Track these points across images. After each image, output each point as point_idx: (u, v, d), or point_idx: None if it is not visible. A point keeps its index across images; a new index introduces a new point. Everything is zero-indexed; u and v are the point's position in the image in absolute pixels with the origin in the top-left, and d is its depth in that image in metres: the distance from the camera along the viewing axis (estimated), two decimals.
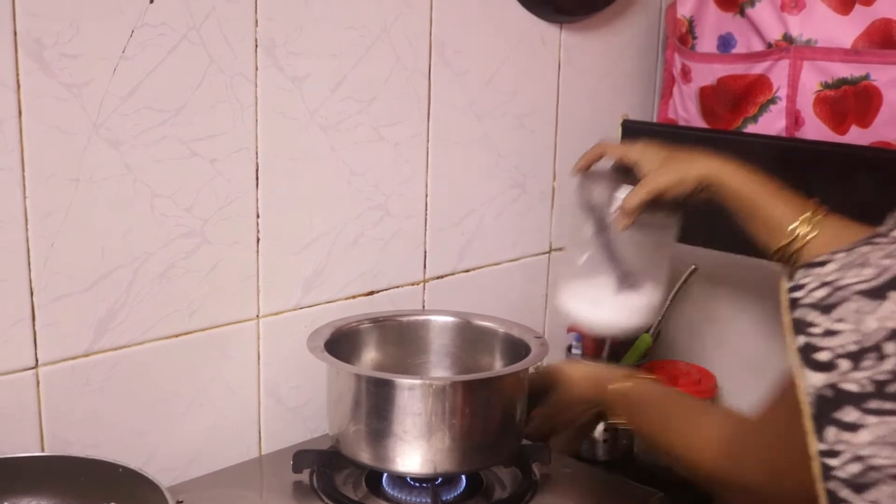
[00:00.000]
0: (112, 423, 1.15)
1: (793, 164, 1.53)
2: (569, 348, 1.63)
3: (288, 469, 1.21)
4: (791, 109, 1.55)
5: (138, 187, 1.12)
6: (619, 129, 1.71)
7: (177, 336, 1.19)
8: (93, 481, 0.99)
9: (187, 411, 1.22)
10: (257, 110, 1.20)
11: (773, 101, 1.57)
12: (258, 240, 1.24)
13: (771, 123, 1.58)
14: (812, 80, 1.52)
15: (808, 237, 1.16)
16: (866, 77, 1.47)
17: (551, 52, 1.56)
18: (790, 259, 1.16)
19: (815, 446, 0.68)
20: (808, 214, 1.17)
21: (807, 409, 0.68)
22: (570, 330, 1.63)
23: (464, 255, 1.49)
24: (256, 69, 1.19)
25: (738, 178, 1.21)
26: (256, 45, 1.18)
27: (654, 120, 1.76)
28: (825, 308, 0.70)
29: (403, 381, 1.13)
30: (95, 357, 1.12)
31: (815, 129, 1.53)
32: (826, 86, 1.51)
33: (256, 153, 1.21)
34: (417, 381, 1.13)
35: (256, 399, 1.28)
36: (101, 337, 1.12)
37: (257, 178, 1.22)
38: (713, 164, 1.21)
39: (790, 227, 1.16)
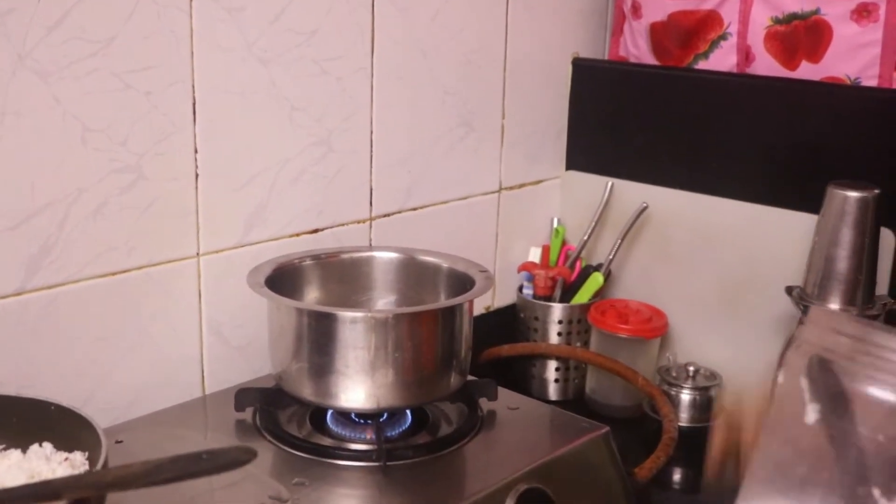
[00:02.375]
0: (47, 363, 1.12)
1: (743, 100, 1.52)
2: (520, 288, 1.62)
3: (231, 408, 1.19)
4: (742, 45, 1.54)
5: (69, 121, 1.08)
6: (570, 68, 1.69)
7: (114, 274, 1.16)
8: (24, 421, 0.96)
9: (127, 351, 1.19)
10: (192, 42, 1.17)
11: (723, 36, 1.56)
12: (197, 175, 1.21)
13: (722, 60, 1.57)
14: (762, 15, 1.51)
15: None
16: (817, 11, 1.46)
17: None
18: None
19: None
20: None
21: None
22: (521, 269, 1.62)
23: (411, 193, 1.47)
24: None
25: None
26: None
27: (605, 57, 1.74)
28: None
29: (345, 315, 1.11)
30: (28, 296, 1.09)
31: (766, 65, 1.52)
32: (777, 21, 1.50)
33: (193, 86, 1.18)
34: (359, 314, 1.12)
35: (199, 338, 1.26)
36: (33, 275, 1.09)
37: (195, 112, 1.19)
38: None
39: None
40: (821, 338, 0.67)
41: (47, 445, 0.94)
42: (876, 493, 0.59)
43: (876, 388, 0.60)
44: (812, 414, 0.63)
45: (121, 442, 1.11)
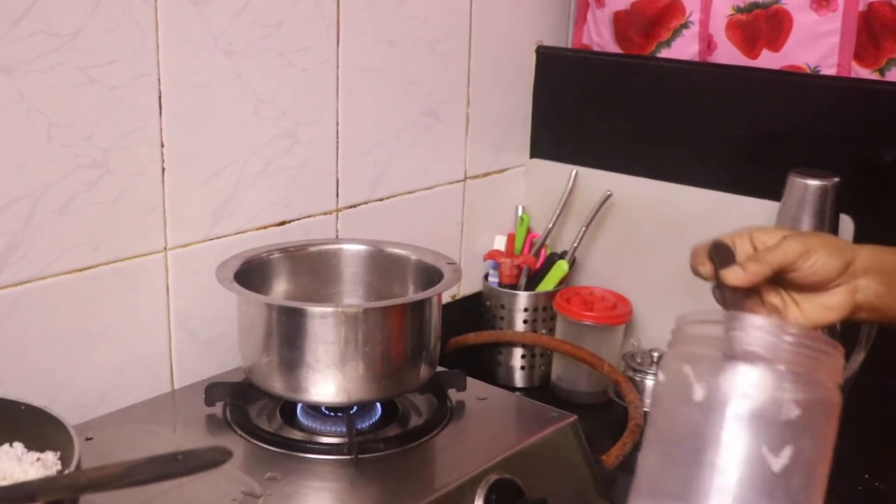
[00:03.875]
0: (15, 361, 1.11)
1: (705, 88, 1.54)
2: (486, 276, 1.63)
3: (201, 403, 1.19)
4: (704, 34, 1.56)
5: (34, 116, 1.07)
6: (534, 56, 1.69)
7: (81, 270, 1.15)
8: None
9: (95, 347, 1.19)
10: (158, 35, 1.16)
11: (686, 25, 1.57)
12: (163, 170, 1.20)
13: (684, 48, 1.58)
14: (724, 4, 1.53)
15: None
16: (777, 1, 1.47)
17: None
18: None
19: None
20: None
21: None
22: (486, 257, 1.63)
23: (377, 183, 1.47)
24: None
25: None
26: None
27: (569, 46, 1.75)
28: None
29: (315, 310, 1.12)
30: None
31: (728, 54, 1.54)
32: (738, 10, 1.52)
33: (159, 80, 1.17)
34: (329, 309, 1.12)
35: (167, 333, 1.26)
36: None
37: (160, 106, 1.18)
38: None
39: None
40: (694, 336, 0.74)
41: (18, 446, 0.93)
42: (764, 449, 0.67)
43: (745, 360, 0.69)
44: (700, 391, 0.69)
45: (91, 439, 1.10)
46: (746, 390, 0.69)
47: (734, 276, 0.83)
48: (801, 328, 0.74)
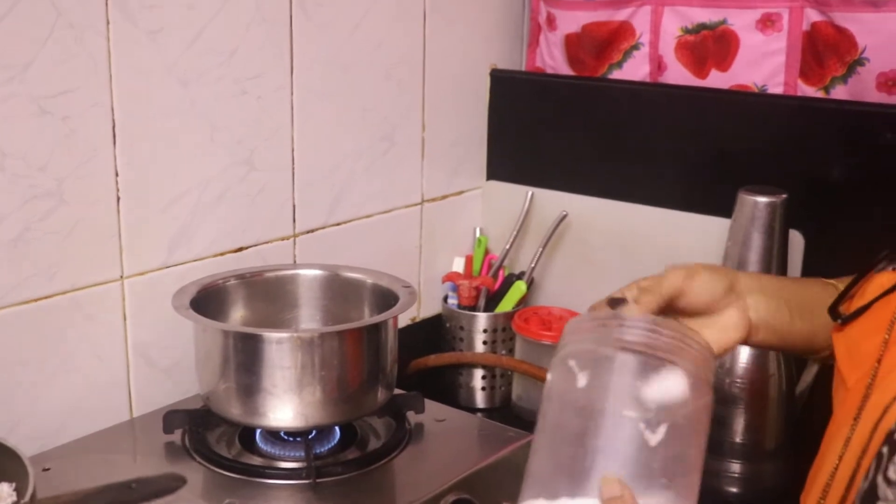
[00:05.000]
0: None
1: (657, 108, 1.56)
2: (445, 298, 1.64)
3: (160, 431, 1.19)
4: (654, 55, 1.58)
5: None
6: (488, 79, 1.71)
7: (36, 300, 1.15)
8: None
9: (52, 377, 1.19)
10: (111, 65, 1.17)
11: (636, 47, 1.60)
12: (118, 198, 1.21)
13: (635, 69, 1.61)
14: (673, 25, 1.55)
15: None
16: (724, 22, 1.50)
17: (416, 1, 1.55)
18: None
19: None
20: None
21: None
22: (445, 279, 1.64)
23: (334, 208, 1.48)
24: (108, 22, 1.15)
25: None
26: None
27: (523, 69, 1.77)
28: None
29: (271, 335, 1.12)
30: None
31: (678, 74, 1.57)
32: (686, 31, 1.54)
33: (112, 109, 1.18)
34: (285, 335, 1.13)
35: (125, 361, 1.26)
36: None
37: (114, 135, 1.19)
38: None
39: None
40: (578, 335, 0.80)
41: None
42: (641, 426, 0.73)
43: (624, 351, 0.76)
44: (583, 379, 0.76)
45: (48, 469, 1.10)
46: (625, 376, 0.75)
47: (629, 311, 0.85)
48: (675, 324, 0.80)
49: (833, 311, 0.92)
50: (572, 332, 0.81)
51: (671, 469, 0.74)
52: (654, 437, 0.73)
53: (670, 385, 0.75)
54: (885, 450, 0.76)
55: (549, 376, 0.79)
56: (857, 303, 0.90)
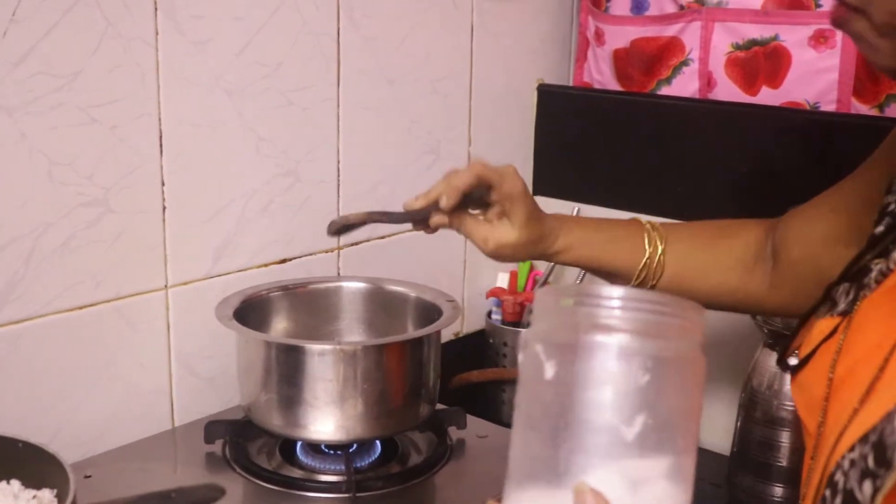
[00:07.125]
0: (15, 398, 1.11)
1: (706, 125, 1.54)
2: (489, 314, 1.63)
3: (201, 441, 1.19)
4: (703, 71, 1.56)
5: (35, 156, 1.08)
6: (535, 94, 1.70)
7: (81, 308, 1.16)
8: None
9: (95, 385, 1.19)
10: (159, 75, 1.17)
11: (685, 62, 1.58)
12: (164, 208, 1.21)
13: (684, 85, 1.59)
14: (723, 41, 1.53)
15: (657, 260, 1.09)
16: (776, 38, 1.48)
17: (464, 15, 1.55)
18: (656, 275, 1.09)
19: None
20: (647, 252, 1.09)
21: None
22: (489, 295, 1.63)
23: None
24: (157, 33, 1.16)
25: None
26: (156, 8, 1.15)
27: (570, 83, 1.76)
28: None
29: (313, 347, 1.12)
30: None
31: (727, 90, 1.55)
32: (737, 47, 1.52)
33: (159, 119, 1.19)
34: (328, 347, 1.12)
35: (167, 370, 1.26)
36: None
37: (161, 145, 1.19)
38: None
39: (637, 272, 1.08)
40: (547, 311, 0.71)
41: (15, 483, 0.93)
42: (615, 420, 0.65)
43: (593, 333, 0.66)
44: (550, 370, 0.67)
45: (90, 477, 1.11)
46: (594, 364, 0.67)
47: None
48: (655, 294, 0.71)
49: (781, 361, 0.90)
50: (542, 303, 0.73)
51: (650, 455, 0.67)
52: (631, 430, 0.65)
53: (645, 369, 0.66)
54: (827, 493, 0.73)
55: (519, 357, 0.72)
56: (804, 350, 0.89)
